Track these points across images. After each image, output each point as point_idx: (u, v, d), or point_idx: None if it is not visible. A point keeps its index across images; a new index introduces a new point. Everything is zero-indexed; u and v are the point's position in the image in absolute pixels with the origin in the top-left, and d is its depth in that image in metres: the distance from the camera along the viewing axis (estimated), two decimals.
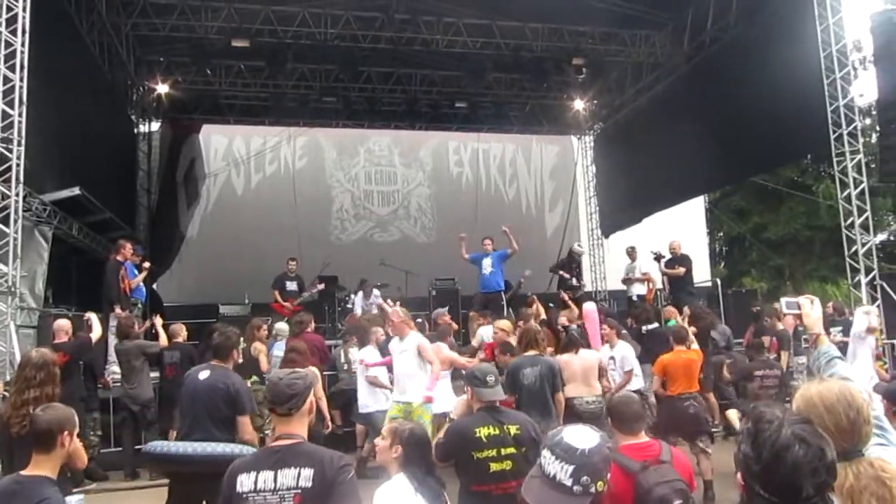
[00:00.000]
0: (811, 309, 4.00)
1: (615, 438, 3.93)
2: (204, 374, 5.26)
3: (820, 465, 1.89)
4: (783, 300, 4.26)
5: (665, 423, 7.80)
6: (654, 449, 3.76)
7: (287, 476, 2.96)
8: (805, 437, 1.91)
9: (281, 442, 3.12)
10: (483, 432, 4.13)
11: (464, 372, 6.67)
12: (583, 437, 2.28)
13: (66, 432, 3.42)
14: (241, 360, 6.20)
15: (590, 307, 10.46)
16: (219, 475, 4.70)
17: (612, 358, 8.88)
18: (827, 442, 1.95)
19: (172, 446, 4.92)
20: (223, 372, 5.28)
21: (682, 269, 12.97)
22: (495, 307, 12.00)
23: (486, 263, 12.54)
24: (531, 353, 6.87)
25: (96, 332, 7.93)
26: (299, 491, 2.93)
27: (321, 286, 13.88)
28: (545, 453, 2.24)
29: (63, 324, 8.08)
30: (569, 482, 2.16)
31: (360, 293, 14.05)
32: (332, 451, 3.14)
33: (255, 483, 2.98)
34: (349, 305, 14.30)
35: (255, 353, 9.14)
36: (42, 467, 3.34)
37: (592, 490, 2.18)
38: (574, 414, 6.89)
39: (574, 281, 13.62)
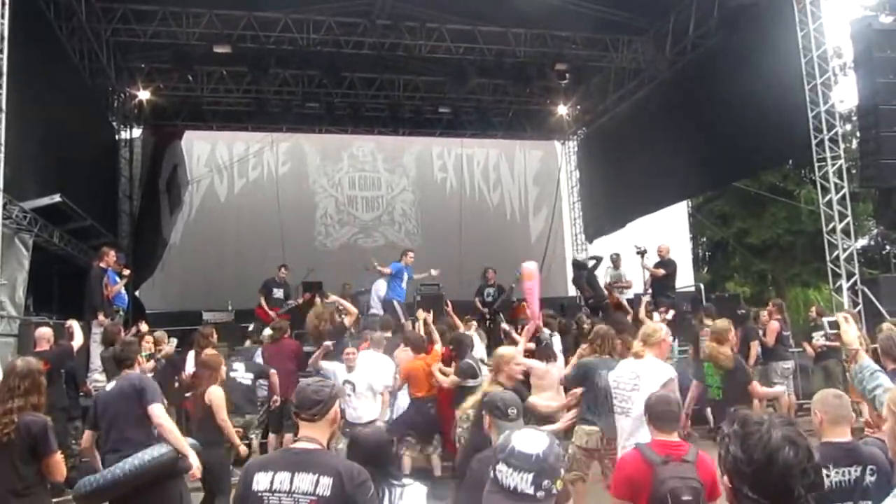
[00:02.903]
0: (847, 326, 4.16)
1: (651, 433, 4.10)
2: (111, 385, 5.49)
3: (809, 466, 1.93)
4: (825, 320, 4.41)
5: (408, 420, 8.56)
6: (681, 449, 3.91)
7: (304, 481, 2.95)
8: (794, 439, 1.96)
9: (301, 445, 3.13)
10: None
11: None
12: (533, 441, 2.26)
13: None
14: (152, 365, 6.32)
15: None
16: (151, 482, 4.80)
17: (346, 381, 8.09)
18: (812, 443, 2.01)
19: (99, 478, 4.91)
20: (127, 375, 5.46)
21: (661, 271, 13.03)
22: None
23: (405, 277, 12.53)
24: (607, 357, 6.74)
25: (78, 340, 7.86)
26: (315, 498, 2.92)
27: (305, 296, 13.80)
28: (500, 467, 2.21)
29: (45, 332, 8.01)
30: (531, 490, 2.15)
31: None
32: (351, 463, 3.14)
33: (272, 483, 2.97)
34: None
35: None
36: None
37: (554, 491, 2.19)
38: (549, 424, 6.85)
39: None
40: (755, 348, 10.73)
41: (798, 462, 1.92)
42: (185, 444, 5.24)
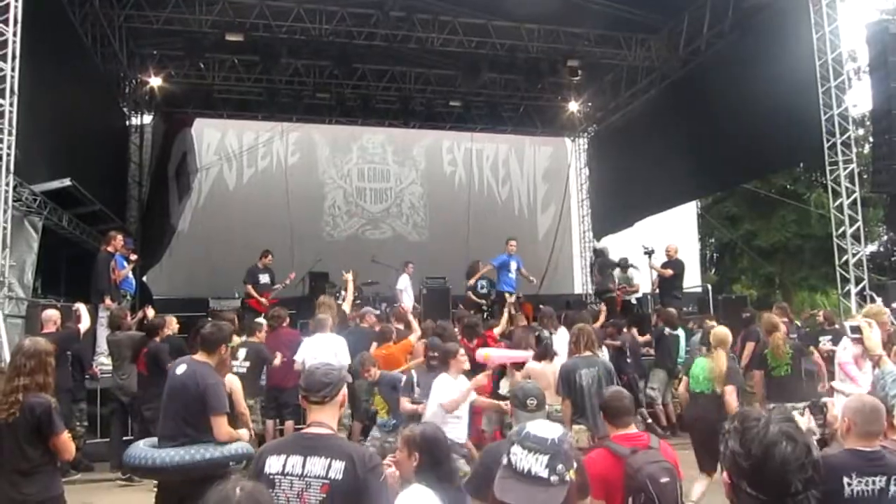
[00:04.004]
0: (871, 332, 4.10)
1: (607, 431, 4.08)
2: (181, 370, 5.17)
3: (807, 461, 1.93)
4: (847, 324, 4.38)
5: None
6: (643, 439, 3.91)
7: (316, 464, 2.99)
8: (792, 434, 1.96)
9: (313, 430, 3.17)
10: None
11: None
12: (547, 427, 2.29)
13: None
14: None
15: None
16: (203, 479, 4.80)
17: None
18: (811, 440, 2.00)
19: (156, 457, 4.94)
20: (198, 368, 5.14)
21: (669, 271, 12.99)
22: (520, 307, 12.18)
23: (513, 266, 12.85)
24: (587, 354, 6.79)
25: (84, 323, 7.87)
26: (328, 481, 2.95)
27: (292, 276, 13.73)
28: (514, 449, 2.21)
29: (51, 314, 8.03)
30: (545, 473, 2.15)
31: (405, 275, 13.88)
32: (363, 448, 3.22)
33: (284, 466, 3.01)
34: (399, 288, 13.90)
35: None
36: None
37: (567, 479, 2.18)
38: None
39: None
40: (749, 349, 10.54)
41: (795, 457, 1.92)
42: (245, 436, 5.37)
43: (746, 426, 2.01)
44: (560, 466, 2.16)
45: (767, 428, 1.97)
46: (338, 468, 2.96)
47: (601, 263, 14.42)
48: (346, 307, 9.90)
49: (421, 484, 3.29)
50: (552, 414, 7.07)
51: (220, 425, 5.02)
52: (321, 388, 3.20)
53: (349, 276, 10.71)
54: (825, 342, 10.83)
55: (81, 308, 7.94)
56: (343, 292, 14.20)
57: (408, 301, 13.25)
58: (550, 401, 7.30)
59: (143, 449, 5.11)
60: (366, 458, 3.06)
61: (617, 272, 14.40)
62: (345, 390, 3.32)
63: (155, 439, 5.23)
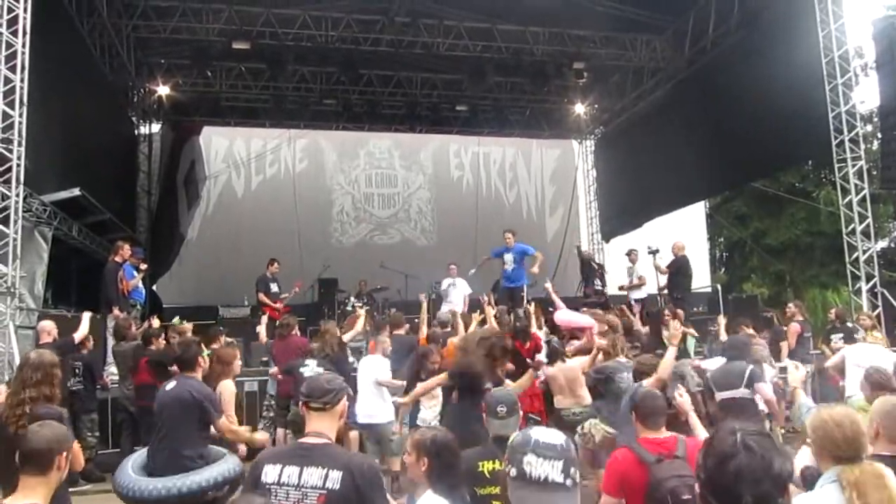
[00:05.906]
0: (795, 372, 4.53)
1: (637, 431, 4.06)
2: (170, 386, 5.38)
3: (764, 475, 1.90)
4: (777, 366, 4.78)
5: None
6: (669, 444, 3.88)
7: (312, 475, 2.95)
8: (752, 447, 1.93)
9: (310, 440, 3.13)
10: (487, 467, 3.85)
11: None
12: (552, 434, 2.29)
13: (63, 453, 3.20)
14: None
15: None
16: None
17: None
18: (781, 456, 1.96)
19: (140, 487, 4.96)
20: (189, 382, 5.35)
21: (666, 270, 12.91)
22: (517, 301, 11.77)
23: (508, 259, 12.51)
24: (622, 359, 6.78)
25: (80, 332, 7.90)
26: (325, 492, 2.92)
27: (297, 288, 13.67)
28: (528, 459, 2.20)
29: (46, 325, 8.07)
30: (561, 478, 2.16)
31: (448, 278, 13.63)
32: (362, 457, 3.17)
33: (280, 476, 2.98)
34: (435, 294, 13.81)
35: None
36: (34, 492, 3.06)
37: (577, 481, 2.19)
38: (564, 425, 6.72)
39: (599, 285, 13.51)
40: (784, 347, 10.58)
41: (751, 470, 1.89)
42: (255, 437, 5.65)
43: (715, 437, 2.03)
44: (573, 470, 2.18)
45: (727, 440, 1.96)
46: (335, 478, 2.92)
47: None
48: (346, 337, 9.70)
49: (434, 491, 3.22)
50: (570, 416, 7.04)
51: (221, 426, 5.33)
52: (324, 394, 3.17)
53: (362, 313, 10.51)
54: (836, 340, 10.77)
55: (84, 316, 7.97)
56: (352, 298, 14.28)
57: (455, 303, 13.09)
58: (566, 403, 7.27)
59: (130, 476, 5.11)
60: (364, 467, 3.03)
61: (627, 265, 14.32)
62: (345, 402, 3.27)
63: (144, 450, 5.40)
